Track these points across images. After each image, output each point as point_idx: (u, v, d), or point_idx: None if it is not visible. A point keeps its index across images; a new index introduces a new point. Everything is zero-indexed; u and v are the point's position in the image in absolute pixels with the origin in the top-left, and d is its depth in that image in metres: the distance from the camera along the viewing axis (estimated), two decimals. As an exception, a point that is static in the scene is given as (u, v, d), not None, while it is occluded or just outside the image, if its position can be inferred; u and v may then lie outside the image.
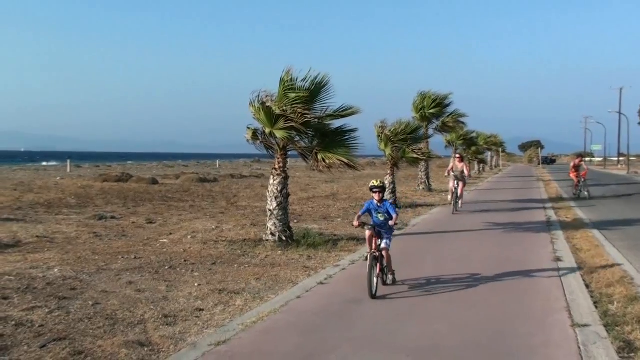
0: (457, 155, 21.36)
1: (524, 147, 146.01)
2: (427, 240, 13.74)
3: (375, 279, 8.03)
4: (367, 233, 8.31)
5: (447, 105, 30.84)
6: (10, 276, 8.73)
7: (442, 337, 6.26)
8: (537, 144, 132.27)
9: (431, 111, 29.79)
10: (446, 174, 20.86)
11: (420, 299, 7.98)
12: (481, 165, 58.72)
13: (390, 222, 8.23)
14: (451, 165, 20.56)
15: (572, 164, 27.19)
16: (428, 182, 30.49)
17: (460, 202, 20.16)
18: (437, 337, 6.28)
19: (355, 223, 8.26)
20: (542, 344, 6.06)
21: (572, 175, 26.46)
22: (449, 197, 20.41)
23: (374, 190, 8.44)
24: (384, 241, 8.30)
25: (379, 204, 8.42)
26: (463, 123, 34.61)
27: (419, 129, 23.30)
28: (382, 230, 8.34)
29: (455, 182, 19.80)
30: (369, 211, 8.46)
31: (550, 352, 5.82)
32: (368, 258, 8.07)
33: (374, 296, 7.86)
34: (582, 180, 25.71)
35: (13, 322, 6.51)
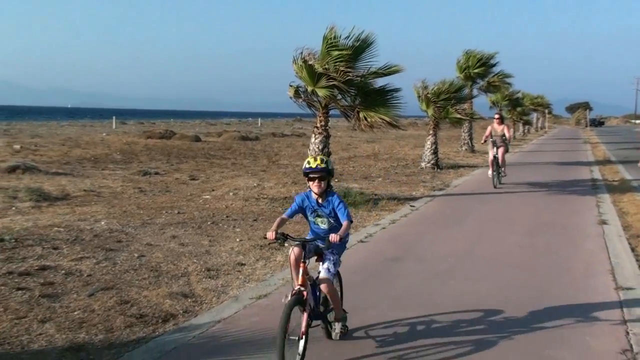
0: (497, 116, 16.89)
1: (572, 109, 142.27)
2: (468, 201, 13.61)
3: (300, 344, 4.39)
4: (292, 254, 4.62)
5: (493, 65, 30.16)
6: (60, 228, 9.01)
7: (486, 297, 6.24)
8: (585, 106, 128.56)
9: (476, 71, 29.17)
10: (483, 141, 16.96)
11: (461, 258, 7.96)
12: (526, 126, 57.53)
13: (332, 237, 4.43)
14: (489, 129, 16.54)
15: None
16: (471, 142, 30.07)
17: (503, 170, 16.35)
18: (481, 295, 6.27)
19: (270, 235, 4.46)
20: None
21: None
22: (489, 171, 16.13)
23: (311, 175, 4.65)
24: (325, 266, 4.75)
25: (320, 202, 4.74)
26: (508, 83, 33.88)
27: (463, 89, 22.88)
28: (320, 245, 4.71)
29: (495, 149, 15.87)
30: (302, 211, 4.84)
31: (593, 314, 5.75)
32: (286, 300, 4.37)
33: None
34: None
35: (63, 271, 6.74)
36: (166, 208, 11.29)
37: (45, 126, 47.03)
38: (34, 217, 9.85)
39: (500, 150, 15.91)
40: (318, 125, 12.61)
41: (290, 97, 12.66)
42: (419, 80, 20.86)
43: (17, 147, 22.94)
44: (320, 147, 12.39)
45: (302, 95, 12.59)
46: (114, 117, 53.05)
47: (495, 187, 15.46)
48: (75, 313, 5.50)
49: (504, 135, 16.26)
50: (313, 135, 12.66)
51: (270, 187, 14.49)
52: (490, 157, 16.04)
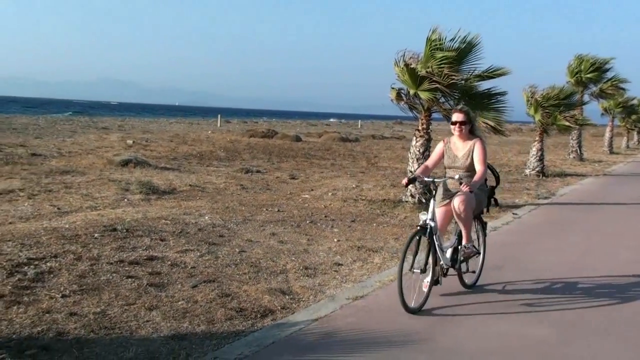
0: (458, 117, 6.28)
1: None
2: (576, 211, 13.01)
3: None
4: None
5: (607, 70, 28.74)
6: (167, 220, 9.41)
7: (593, 314, 5.95)
8: None
9: (588, 76, 27.91)
10: (404, 182, 6.29)
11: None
12: (641, 135, 54.34)
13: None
14: (440, 148, 6.51)
15: None
16: (580, 150, 28.79)
17: (467, 253, 6.29)
18: (586, 312, 5.98)
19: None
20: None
21: None
22: (412, 261, 5.70)
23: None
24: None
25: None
26: (623, 89, 32.11)
27: (574, 95, 21.94)
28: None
29: (435, 205, 5.98)
30: None
31: None
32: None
33: None
34: None
35: (169, 262, 7.04)
36: (266, 205, 11.53)
37: (156, 123, 49.33)
38: (143, 209, 10.34)
39: (458, 202, 5.99)
40: (420, 128, 12.47)
41: (392, 100, 12.61)
42: (528, 85, 20.26)
43: (130, 142, 24.21)
44: (421, 151, 12.25)
45: (404, 98, 12.51)
46: (219, 116, 54.88)
47: (409, 308, 5.64)
48: (180, 303, 5.73)
49: (469, 167, 6.26)
50: (414, 138, 12.54)
51: (369, 188, 14.48)
52: (423, 222, 5.80)
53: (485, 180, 6.33)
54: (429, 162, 6.58)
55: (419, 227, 5.75)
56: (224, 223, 9.54)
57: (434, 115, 12.78)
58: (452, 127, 6.39)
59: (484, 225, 6.78)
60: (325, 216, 10.76)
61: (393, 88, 12.54)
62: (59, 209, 10.09)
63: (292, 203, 12.07)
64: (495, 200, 6.73)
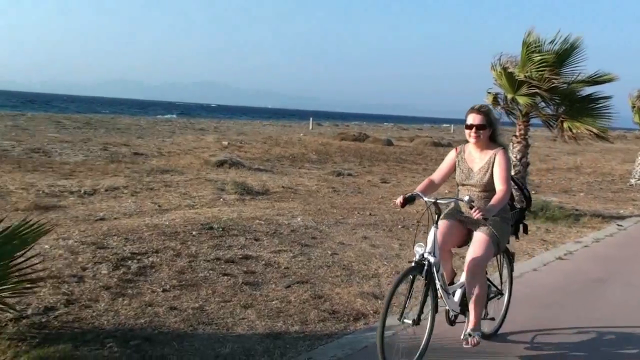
0: (475, 122, 4.70)
1: None
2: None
3: None
4: None
5: None
6: (261, 220, 9.58)
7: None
8: None
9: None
10: (399, 201, 4.71)
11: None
12: None
13: None
14: (451, 159, 4.95)
15: None
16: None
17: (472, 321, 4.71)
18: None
19: None
20: None
21: None
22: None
23: None
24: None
25: None
26: None
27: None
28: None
29: (437, 232, 4.56)
30: None
31: None
32: None
33: None
34: None
35: (263, 262, 7.17)
36: (358, 209, 11.53)
37: (249, 125, 50.54)
38: (238, 209, 10.59)
39: (469, 259, 4.64)
40: (517, 134, 12.10)
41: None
42: (636, 90, 19.24)
43: (225, 143, 24.92)
44: (518, 157, 11.87)
45: (501, 103, 12.17)
46: (311, 118, 55.46)
47: None
48: (274, 302, 5.82)
49: (487, 185, 4.69)
50: (511, 143, 12.17)
51: (462, 195, 14.18)
52: (419, 255, 4.42)
53: (512, 201, 4.99)
54: (436, 175, 4.97)
55: (413, 264, 4.40)
56: (316, 225, 9.61)
57: (532, 120, 12.36)
58: (466, 131, 4.78)
59: (510, 258, 5.29)
60: (418, 222, 10.60)
61: (489, 92, 12.22)
62: (159, 206, 10.52)
63: (384, 207, 12.01)
64: (525, 226, 5.17)
